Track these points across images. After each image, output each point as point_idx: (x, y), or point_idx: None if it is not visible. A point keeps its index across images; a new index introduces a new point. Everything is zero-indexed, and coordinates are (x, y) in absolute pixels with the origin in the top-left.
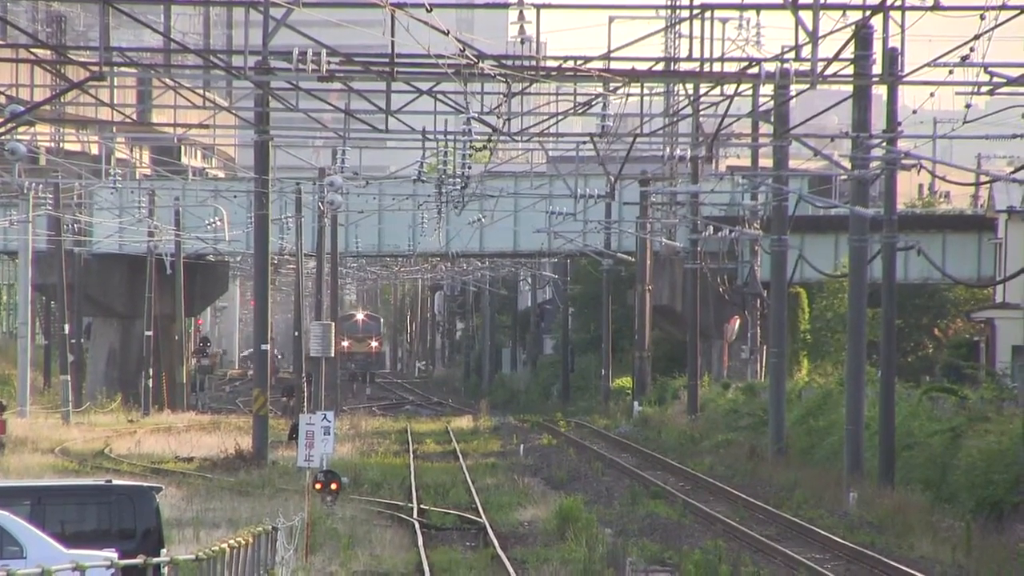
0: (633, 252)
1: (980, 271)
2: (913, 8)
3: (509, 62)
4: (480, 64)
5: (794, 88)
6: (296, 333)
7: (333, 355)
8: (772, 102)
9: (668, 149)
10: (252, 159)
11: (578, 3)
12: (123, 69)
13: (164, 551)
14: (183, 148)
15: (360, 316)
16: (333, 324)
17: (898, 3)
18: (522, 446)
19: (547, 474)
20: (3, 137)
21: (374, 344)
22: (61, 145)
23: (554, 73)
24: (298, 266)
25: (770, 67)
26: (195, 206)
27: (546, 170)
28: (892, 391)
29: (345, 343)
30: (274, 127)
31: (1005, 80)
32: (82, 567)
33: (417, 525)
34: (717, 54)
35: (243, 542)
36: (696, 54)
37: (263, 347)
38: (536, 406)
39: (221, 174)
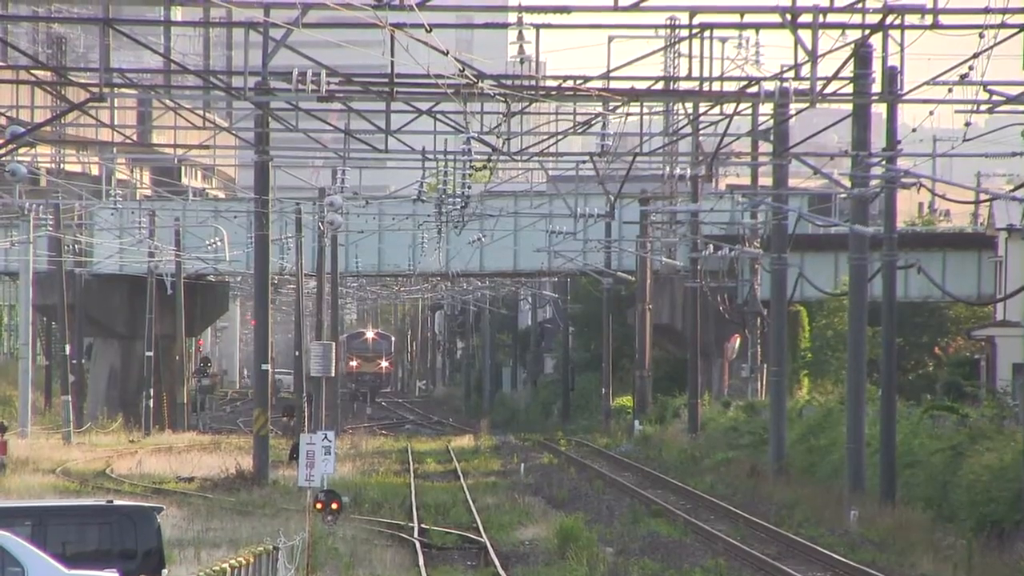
0: (633, 271)
1: (980, 289)
2: (912, 27)
3: (509, 82)
4: (480, 84)
5: (793, 107)
6: (297, 353)
7: (334, 375)
8: (772, 121)
9: (668, 168)
10: (252, 179)
11: (577, 23)
12: (123, 90)
13: (165, 571)
14: (183, 169)
15: (370, 335)
16: (334, 344)
17: (897, 22)
18: (523, 465)
19: (548, 493)
20: (4, 158)
21: (384, 364)
22: (62, 166)
23: (553, 92)
24: (298, 286)
25: (769, 86)
26: (195, 226)
27: (546, 189)
28: (893, 409)
29: (353, 362)
30: (274, 147)
31: (1004, 98)
32: None
33: (418, 544)
34: (716, 73)
35: (244, 562)
36: (695, 73)
37: (263, 367)
38: (537, 425)
39: (221, 194)
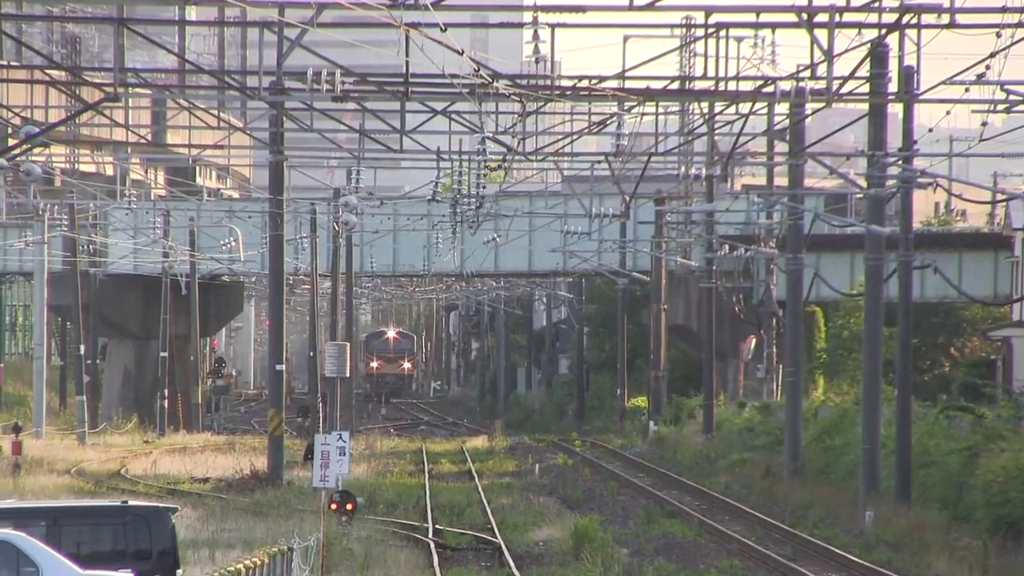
0: (648, 271)
1: (997, 289)
2: (929, 26)
3: (524, 81)
4: (495, 83)
5: (809, 106)
6: (311, 353)
7: (348, 375)
8: (787, 120)
9: (683, 168)
10: (267, 179)
11: (593, 22)
12: (138, 90)
13: (180, 572)
14: (198, 169)
15: (391, 334)
16: (348, 344)
17: (914, 21)
18: (537, 466)
19: (562, 494)
20: (19, 158)
21: (406, 365)
22: (76, 166)
23: (569, 92)
24: (313, 286)
25: (785, 85)
26: (210, 227)
27: (561, 189)
28: (908, 410)
29: (374, 363)
30: (289, 147)
31: (1021, 98)
32: None
33: (432, 545)
34: (732, 73)
35: (259, 562)
36: (711, 73)
37: (278, 367)
38: (551, 426)
39: (236, 194)
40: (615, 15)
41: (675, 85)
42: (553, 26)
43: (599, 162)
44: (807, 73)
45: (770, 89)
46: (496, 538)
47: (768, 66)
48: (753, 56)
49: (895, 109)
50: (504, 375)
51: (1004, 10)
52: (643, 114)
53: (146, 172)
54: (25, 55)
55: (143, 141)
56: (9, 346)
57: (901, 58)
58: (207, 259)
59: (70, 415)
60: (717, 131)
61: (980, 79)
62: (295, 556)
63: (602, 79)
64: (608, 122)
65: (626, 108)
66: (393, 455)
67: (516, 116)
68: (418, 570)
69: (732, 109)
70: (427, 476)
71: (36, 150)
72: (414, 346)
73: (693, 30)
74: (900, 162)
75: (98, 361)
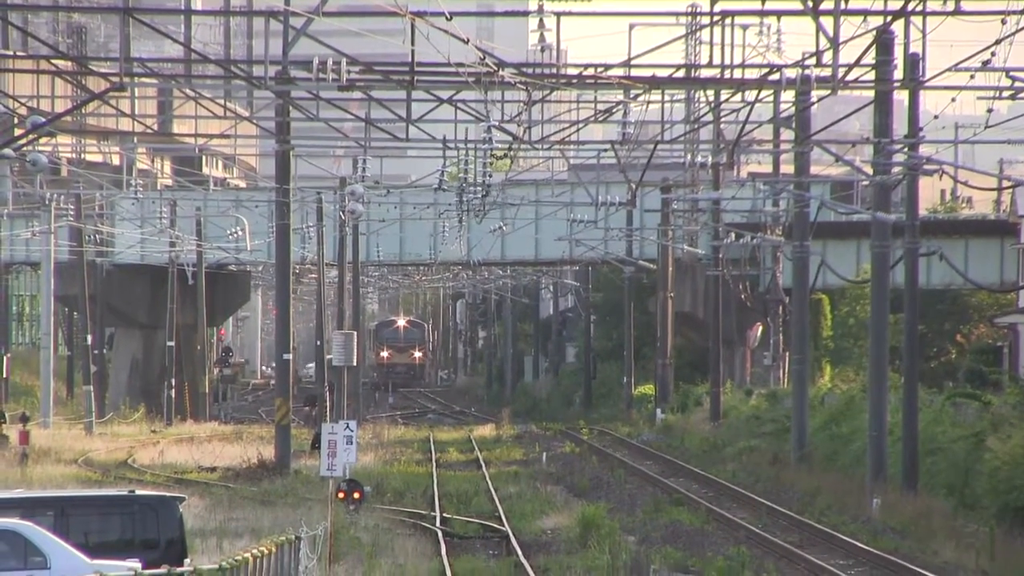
0: (655, 259)
1: (1003, 276)
2: (934, 13)
3: (529, 70)
4: (500, 72)
5: (815, 94)
6: (318, 342)
7: (355, 364)
8: (793, 108)
9: (689, 156)
10: (273, 169)
11: (598, 10)
12: (144, 80)
13: (187, 561)
14: (204, 158)
15: (401, 323)
16: (355, 333)
17: (919, 8)
18: (544, 454)
19: (570, 482)
20: (25, 148)
21: (417, 354)
22: (82, 156)
23: (574, 81)
24: (320, 275)
25: (791, 73)
26: (216, 216)
27: (567, 178)
28: (915, 397)
29: (385, 353)
30: (295, 137)
31: None
32: None
33: (440, 534)
34: (738, 60)
35: (266, 551)
36: (717, 60)
37: (285, 357)
38: (558, 414)
39: (242, 184)
40: (620, 3)
41: (681, 73)
42: (559, 14)
43: (605, 150)
44: (812, 60)
45: (776, 77)
46: (503, 526)
47: (774, 54)
48: (759, 44)
49: (901, 96)
50: (511, 363)
51: None
52: (649, 102)
53: (152, 162)
54: (31, 45)
55: (149, 131)
56: (16, 336)
57: (906, 45)
58: (214, 249)
59: (77, 405)
60: (723, 119)
61: (985, 66)
62: (303, 545)
63: (608, 67)
64: (614, 110)
65: (632, 96)
66: (400, 444)
67: (522, 104)
68: (425, 558)
69: (738, 97)
70: (434, 465)
71: (42, 140)
72: (424, 334)
73: (699, 18)
74: (906, 149)
75: (105, 351)
